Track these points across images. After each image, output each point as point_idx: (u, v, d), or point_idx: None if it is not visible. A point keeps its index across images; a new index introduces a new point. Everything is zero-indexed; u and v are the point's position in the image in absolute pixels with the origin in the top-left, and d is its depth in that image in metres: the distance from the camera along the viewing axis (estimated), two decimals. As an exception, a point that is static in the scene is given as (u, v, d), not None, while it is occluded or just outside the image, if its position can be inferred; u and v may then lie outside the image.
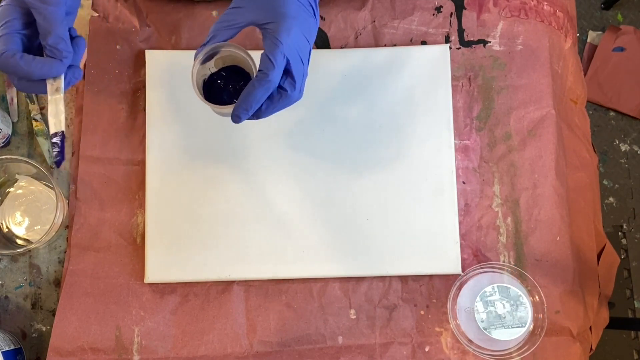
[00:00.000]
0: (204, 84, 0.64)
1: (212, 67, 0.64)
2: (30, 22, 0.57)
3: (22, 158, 0.67)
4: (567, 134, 0.76)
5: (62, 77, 0.58)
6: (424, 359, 0.70)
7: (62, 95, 0.59)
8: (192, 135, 0.72)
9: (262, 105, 0.58)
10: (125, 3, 0.75)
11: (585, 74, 1.64)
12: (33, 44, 0.58)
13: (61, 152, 0.60)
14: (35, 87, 0.58)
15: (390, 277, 0.71)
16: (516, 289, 0.68)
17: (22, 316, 0.72)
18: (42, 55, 0.57)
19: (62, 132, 0.59)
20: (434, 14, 0.77)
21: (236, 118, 0.58)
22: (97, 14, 0.75)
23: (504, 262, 0.72)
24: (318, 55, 0.73)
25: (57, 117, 0.59)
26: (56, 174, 0.74)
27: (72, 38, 0.58)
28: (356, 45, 0.76)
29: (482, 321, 0.67)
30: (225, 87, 0.64)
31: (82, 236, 0.71)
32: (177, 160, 0.72)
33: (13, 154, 0.75)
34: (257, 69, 0.56)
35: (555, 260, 0.72)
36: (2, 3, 0.57)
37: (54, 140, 0.60)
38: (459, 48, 0.76)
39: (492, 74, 0.75)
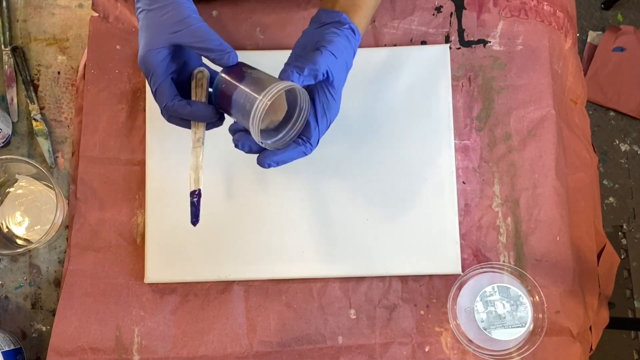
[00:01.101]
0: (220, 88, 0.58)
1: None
2: (174, 56, 0.58)
3: (22, 158, 0.67)
4: (567, 134, 0.76)
5: (204, 127, 0.59)
6: (424, 359, 0.70)
7: (202, 147, 0.58)
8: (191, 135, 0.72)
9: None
10: (125, 3, 0.75)
11: (585, 74, 1.64)
12: (181, 77, 0.60)
13: (197, 213, 0.58)
14: (185, 124, 0.59)
15: (390, 277, 0.71)
16: (516, 289, 0.68)
17: (22, 316, 0.72)
18: (189, 83, 0.60)
19: (199, 190, 0.58)
20: (434, 14, 0.77)
21: (266, 165, 0.59)
22: (97, 14, 0.75)
23: (504, 262, 0.72)
24: (318, 55, 0.73)
25: (196, 171, 0.58)
26: (56, 174, 0.75)
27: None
28: (356, 45, 0.76)
29: (482, 321, 0.67)
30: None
31: (82, 236, 0.71)
32: (177, 160, 0.72)
33: (13, 154, 0.75)
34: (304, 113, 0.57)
35: (555, 260, 0.72)
36: (141, 50, 0.57)
37: (192, 198, 0.58)
38: (459, 48, 0.76)
39: (492, 74, 0.75)
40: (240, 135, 0.59)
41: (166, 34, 0.56)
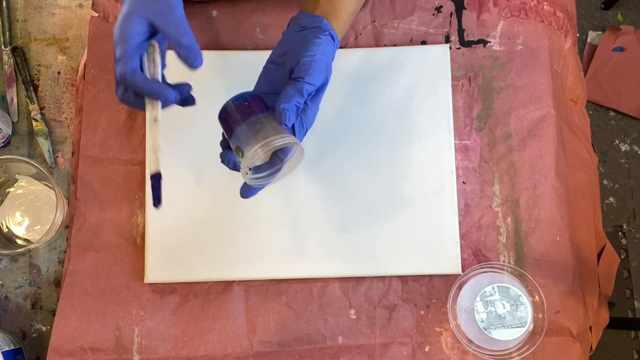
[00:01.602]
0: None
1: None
2: (149, 36, 0.58)
3: (22, 158, 0.67)
4: (567, 134, 0.76)
5: (160, 106, 0.58)
6: (424, 359, 0.70)
7: (159, 127, 0.57)
8: (192, 135, 0.72)
9: None
10: (125, 3, 0.75)
11: (585, 74, 1.64)
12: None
13: (158, 196, 0.56)
14: (138, 103, 0.59)
15: (390, 277, 0.71)
16: (516, 289, 0.68)
17: (22, 316, 0.72)
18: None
19: (159, 173, 0.57)
20: (434, 14, 0.77)
21: (249, 197, 0.61)
22: (97, 14, 0.75)
23: (504, 262, 0.72)
24: (318, 55, 0.73)
25: (154, 152, 0.57)
26: (56, 174, 0.75)
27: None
28: (356, 45, 0.76)
29: (482, 321, 0.67)
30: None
31: (82, 236, 0.71)
32: (177, 160, 0.72)
33: (13, 154, 0.75)
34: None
35: (555, 260, 0.72)
36: (122, 18, 0.57)
37: (152, 182, 0.56)
38: (459, 48, 0.76)
39: (492, 74, 0.75)
40: (228, 153, 0.60)
41: (149, 12, 0.56)
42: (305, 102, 0.59)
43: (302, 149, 0.57)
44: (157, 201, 0.57)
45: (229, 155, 0.59)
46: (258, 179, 0.59)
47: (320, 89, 0.60)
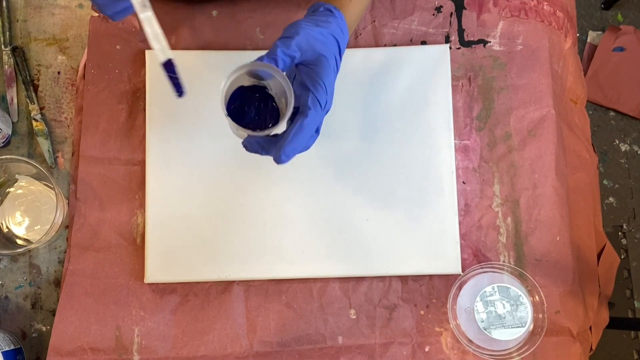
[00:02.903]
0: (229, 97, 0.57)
1: (245, 81, 0.56)
2: None
3: (22, 158, 0.67)
4: (567, 134, 0.76)
5: None
6: (424, 359, 0.70)
7: (152, 12, 0.53)
8: (192, 135, 0.72)
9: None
10: (125, 3, 0.75)
11: (585, 74, 1.64)
12: None
13: (179, 83, 0.52)
14: (115, 5, 0.54)
15: (390, 277, 0.71)
16: (516, 289, 0.68)
17: (22, 316, 0.72)
18: None
19: (170, 59, 0.52)
20: (434, 14, 0.77)
21: (285, 158, 0.54)
22: (97, 14, 0.75)
23: (504, 262, 0.72)
24: (318, 55, 0.73)
25: (159, 40, 0.53)
26: (56, 174, 0.75)
27: None
28: (356, 45, 0.76)
29: (482, 321, 0.67)
30: (246, 106, 0.57)
31: (82, 236, 0.71)
32: (177, 160, 0.72)
33: (13, 154, 0.75)
34: (292, 105, 0.53)
35: (555, 260, 0.72)
36: None
37: (167, 72, 0.52)
38: (459, 48, 0.76)
39: (492, 74, 0.75)
40: (249, 140, 0.58)
41: None
42: (308, 66, 0.56)
43: (287, 81, 0.52)
44: (179, 89, 0.53)
45: (250, 140, 0.57)
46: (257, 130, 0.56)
47: (330, 65, 0.56)
